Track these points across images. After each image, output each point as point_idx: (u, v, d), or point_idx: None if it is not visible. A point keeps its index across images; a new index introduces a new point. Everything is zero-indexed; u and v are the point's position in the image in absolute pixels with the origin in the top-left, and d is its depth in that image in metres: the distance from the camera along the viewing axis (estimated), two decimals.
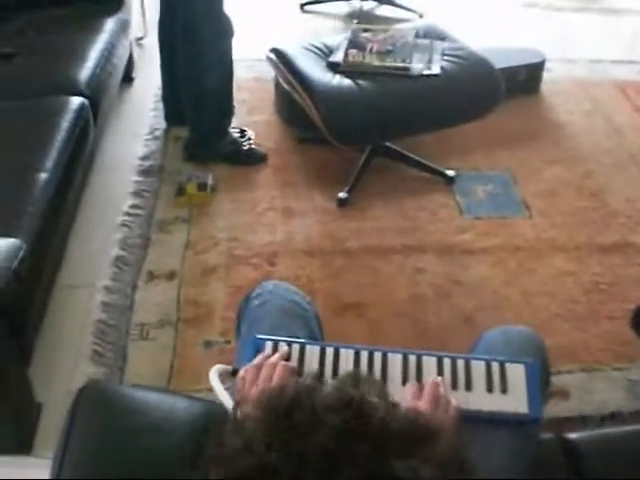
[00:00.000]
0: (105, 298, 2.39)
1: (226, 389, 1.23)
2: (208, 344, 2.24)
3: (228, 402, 1.17)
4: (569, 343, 2.28)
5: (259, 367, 1.20)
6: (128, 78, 3.53)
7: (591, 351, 2.26)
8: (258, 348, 1.28)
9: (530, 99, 3.49)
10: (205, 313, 2.34)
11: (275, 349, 1.27)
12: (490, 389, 1.25)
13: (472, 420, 1.21)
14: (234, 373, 1.25)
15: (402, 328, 2.32)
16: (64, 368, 2.15)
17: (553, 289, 2.47)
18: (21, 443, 1.89)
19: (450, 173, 2.94)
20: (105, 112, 2.78)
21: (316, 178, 2.96)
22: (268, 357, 1.22)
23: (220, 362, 2.14)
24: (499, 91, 2.67)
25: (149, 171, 2.98)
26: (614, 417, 2.08)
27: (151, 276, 2.48)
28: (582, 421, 2.06)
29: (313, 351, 1.29)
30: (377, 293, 2.44)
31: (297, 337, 1.35)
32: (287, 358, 1.24)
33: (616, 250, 2.63)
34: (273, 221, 2.73)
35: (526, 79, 3.46)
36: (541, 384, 1.32)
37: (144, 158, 3.06)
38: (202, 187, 2.81)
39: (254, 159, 3.06)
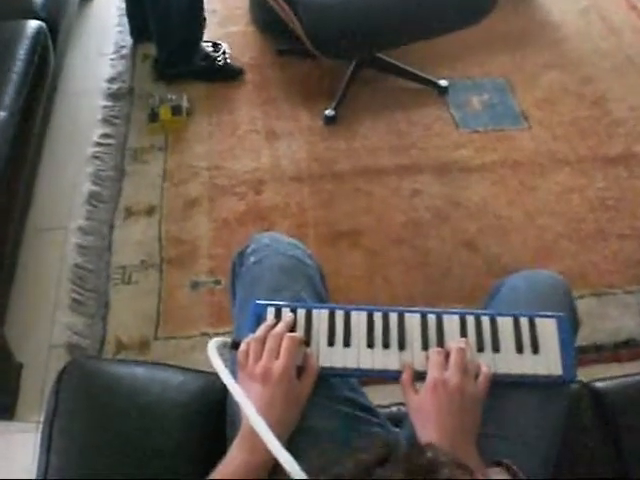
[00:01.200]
0: (80, 240, 2.23)
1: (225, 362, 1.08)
2: (195, 285, 2.09)
3: (230, 381, 1.02)
4: (577, 266, 2.15)
5: (263, 340, 1.06)
6: None
7: (601, 274, 2.14)
8: (259, 315, 1.13)
9: None
10: (190, 251, 2.18)
11: (278, 315, 1.12)
12: (520, 349, 1.11)
13: (501, 384, 1.08)
14: (234, 346, 1.10)
15: (401, 256, 2.18)
16: (42, 321, 2.02)
17: (558, 207, 2.33)
18: (3, 408, 1.76)
19: (443, 83, 2.75)
20: (65, 34, 2.54)
21: (299, 94, 2.75)
22: (272, 327, 1.07)
23: (210, 303, 2.06)
24: None
25: (118, 94, 2.76)
26: (628, 344, 1.98)
27: (129, 212, 2.31)
28: (595, 350, 1.96)
29: (321, 315, 1.14)
30: (372, 219, 2.29)
31: (301, 298, 1.20)
32: (293, 326, 1.10)
33: (621, 162, 2.48)
34: (256, 145, 2.54)
35: None
36: (573, 337, 1.19)
37: (111, 80, 2.83)
38: (177, 110, 2.60)
39: (230, 75, 2.84)
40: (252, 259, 1.27)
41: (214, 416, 1.15)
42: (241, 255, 1.31)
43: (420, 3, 2.37)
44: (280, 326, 1.08)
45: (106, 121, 2.64)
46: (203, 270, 2.12)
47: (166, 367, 1.28)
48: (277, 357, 1.03)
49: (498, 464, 0.99)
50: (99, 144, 2.55)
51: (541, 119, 2.64)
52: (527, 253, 2.19)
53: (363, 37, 2.39)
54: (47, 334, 1.97)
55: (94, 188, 2.38)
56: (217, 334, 1.95)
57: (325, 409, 1.08)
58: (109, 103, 2.72)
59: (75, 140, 2.57)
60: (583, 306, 2.04)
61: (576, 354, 1.18)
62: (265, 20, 2.96)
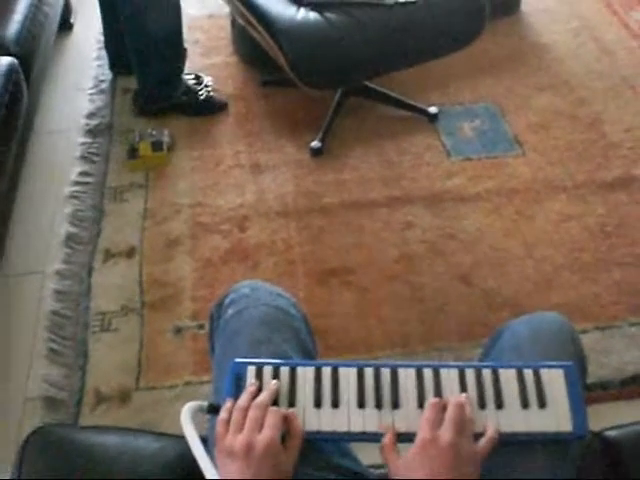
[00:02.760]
0: (58, 285, 2.12)
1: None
2: (178, 330, 1.99)
3: (201, 454, 0.92)
4: (579, 298, 2.05)
5: (245, 409, 0.95)
6: (66, 25, 3.17)
7: (604, 305, 2.04)
8: (238, 375, 1.03)
9: (510, 20, 3.16)
10: (172, 294, 2.07)
11: (259, 374, 1.02)
12: (525, 404, 1.01)
13: (504, 445, 0.98)
14: (211, 410, 1.00)
15: (395, 293, 2.08)
16: (17, 372, 1.91)
17: (556, 237, 2.23)
18: None
19: (432, 110, 2.66)
20: (40, 69, 2.44)
21: (284, 126, 2.66)
22: (254, 394, 0.97)
23: (194, 350, 1.95)
24: (484, 14, 2.36)
25: (96, 131, 2.66)
26: (636, 380, 1.88)
27: (108, 255, 2.21)
28: (601, 387, 1.85)
29: (306, 373, 1.03)
30: (363, 255, 2.19)
31: (285, 353, 1.10)
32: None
33: (620, 186, 2.39)
34: (240, 180, 2.44)
35: None
36: (582, 389, 1.08)
37: (90, 116, 2.74)
38: (157, 146, 2.50)
39: (213, 108, 2.75)
40: (230, 311, 1.16)
41: None
42: (219, 306, 1.21)
43: (406, 30, 2.28)
44: (264, 396, 0.97)
45: (84, 158, 2.55)
46: (186, 314, 2.01)
47: (141, 434, 1.18)
48: (260, 430, 0.93)
49: None
50: (77, 183, 2.45)
51: (535, 144, 2.55)
52: (526, 286, 2.09)
53: (348, 68, 2.30)
54: (22, 386, 1.86)
55: (72, 229, 2.28)
56: (201, 383, 1.84)
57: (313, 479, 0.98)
58: (87, 140, 2.63)
59: (52, 179, 2.48)
60: (586, 340, 1.92)
61: (585, 407, 1.08)
62: (248, 51, 2.88)
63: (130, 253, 2.20)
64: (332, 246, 2.21)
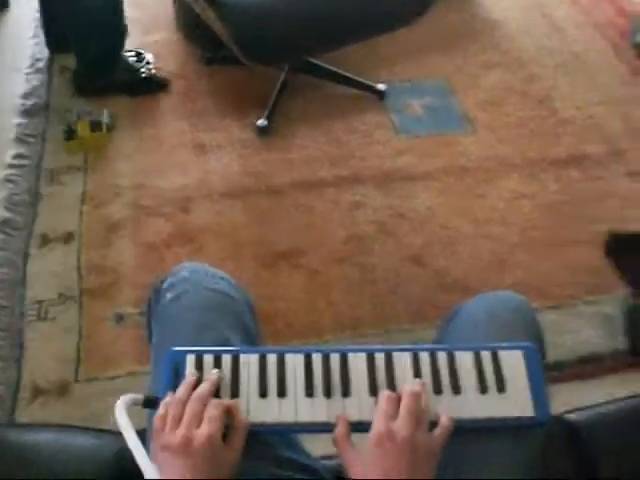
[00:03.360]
0: None
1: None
2: (120, 318, 1.90)
3: (138, 449, 0.84)
4: (533, 278, 2.02)
5: (183, 402, 0.88)
6: (2, 4, 3.03)
7: (558, 285, 2.00)
8: (176, 364, 0.95)
9: None
10: (112, 281, 1.98)
11: (199, 364, 0.94)
12: (484, 389, 0.96)
13: (463, 431, 0.92)
14: (147, 404, 0.92)
15: (345, 275, 2.02)
16: None
17: (508, 215, 2.19)
18: None
19: (381, 87, 2.60)
20: None
21: (229, 105, 2.57)
22: (193, 386, 0.90)
23: (136, 338, 1.85)
24: None
25: (32, 111, 2.54)
26: (591, 359, 1.85)
27: (45, 240, 2.10)
28: (558, 367, 1.82)
29: (250, 361, 0.96)
30: (313, 236, 2.12)
31: (227, 339, 1.02)
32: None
33: (572, 163, 2.36)
34: (184, 160, 2.35)
35: None
36: (542, 371, 1.03)
37: (26, 96, 2.61)
38: (96, 126, 2.39)
39: (155, 87, 2.65)
40: (169, 295, 1.08)
41: None
42: (157, 290, 1.12)
43: (349, 4, 2.22)
44: (204, 387, 0.90)
45: (20, 140, 2.43)
46: (128, 301, 1.92)
47: (77, 431, 1.09)
48: (199, 424, 0.85)
49: None
50: (12, 166, 2.33)
51: (486, 122, 2.51)
52: (478, 265, 2.05)
53: (292, 42, 2.23)
54: None
55: (6, 214, 2.17)
56: (145, 373, 1.74)
57: (258, 474, 0.91)
58: (23, 120, 2.51)
59: None
60: (542, 321, 1.89)
61: (547, 389, 1.03)
62: (191, 27, 2.78)
63: (68, 238, 2.10)
64: (280, 228, 2.14)
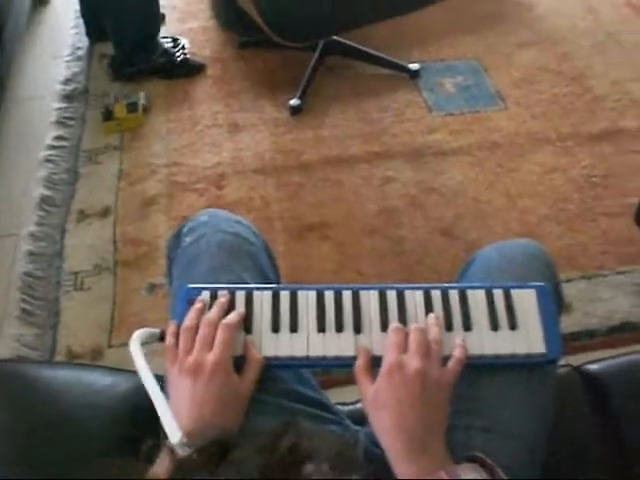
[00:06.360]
0: (31, 247, 2.07)
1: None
2: (152, 287, 1.93)
3: (150, 381, 0.87)
4: (565, 248, 2.00)
5: (194, 328, 0.90)
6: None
7: (590, 255, 1.99)
8: (191, 300, 0.97)
9: None
10: (146, 252, 2.02)
11: (214, 300, 0.96)
12: (495, 326, 0.96)
13: (475, 367, 0.93)
14: (164, 338, 0.95)
15: (374, 247, 2.03)
16: None
17: (540, 189, 2.17)
18: None
19: (413, 66, 2.61)
20: (12, 37, 2.40)
21: (263, 86, 2.60)
22: (201, 311, 0.92)
23: (168, 306, 1.89)
24: None
25: (72, 96, 2.61)
26: (623, 328, 1.83)
27: (82, 215, 2.16)
28: (589, 335, 1.81)
29: (263, 297, 0.98)
30: (342, 210, 2.14)
31: (243, 280, 1.04)
32: (228, 308, 0.94)
33: (607, 138, 2.33)
34: (218, 139, 2.38)
35: None
36: (556, 311, 1.03)
37: (66, 82, 2.69)
38: (132, 108, 2.45)
39: (191, 70, 2.69)
40: (188, 239, 1.11)
41: (145, 420, 0.99)
42: (178, 234, 1.15)
43: None
44: (213, 311, 0.92)
45: (60, 123, 2.49)
46: (160, 272, 1.95)
47: (94, 368, 1.13)
48: (210, 348, 0.87)
49: (472, 459, 0.84)
50: (52, 147, 2.40)
51: (518, 99, 2.50)
52: (509, 237, 2.02)
53: (321, 17, 2.25)
54: None
55: (46, 192, 2.23)
56: None
57: (269, 406, 0.93)
58: (63, 105, 2.58)
59: (28, 145, 2.43)
60: (573, 290, 1.90)
61: (560, 329, 1.03)
62: (227, 13, 2.80)
63: (104, 213, 2.15)
64: (310, 202, 2.15)
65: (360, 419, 1.03)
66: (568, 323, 1.79)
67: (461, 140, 2.34)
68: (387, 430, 0.84)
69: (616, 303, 1.88)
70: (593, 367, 1.22)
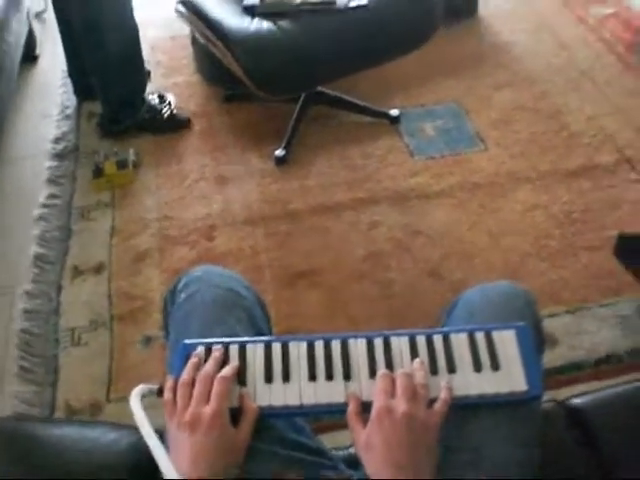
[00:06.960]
0: (27, 304, 2.11)
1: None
2: (148, 340, 1.98)
3: (151, 436, 0.91)
4: (548, 284, 2.06)
5: (190, 383, 0.95)
6: (31, 57, 3.19)
7: (573, 289, 2.04)
8: (188, 356, 1.02)
9: (469, 23, 3.21)
10: (141, 306, 2.07)
11: (209, 354, 1.01)
12: (478, 368, 1.01)
13: (461, 407, 0.97)
14: (162, 393, 0.99)
15: (364, 292, 2.08)
16: None
17: (522, 226, 2.24)
18: None
19: (394, 112, 2.68)
20: (4, 96, 2.46)
21: (248, 138, 2.67)
22: (197, 365, 0.97)
23: (164, 358, 1.91)
24: (435, 15, 2.39)
25: (63, 154, 2.67)
26: (609, 359, 1.88)
27: (76, 272, 2.20)
28: (575, 368, 1.86)
29: (256, 350, 1.03)
30: (330, 256, 2.19)
31: (236, 333, 1.09)
32: (223, 362, 0.99)
33: (584, 173, 2.41)
34: (207, 192, 2.44)
35: (462, 1, 3.18)
36: (536, 349, 1.08)
37: (56, 140, 2.74)
38: (122, 164, 2.51)
39: (177, 125, 2.75)
40: (183, 295, 1.16)
41: (147, 474, 1.03)
42: (172, 291, 1.20)
43: (358, 34, 2.30)
44: (209, 364, 0.97)
45: (51, 181, 2.55)
46: (155, 324, 2.00)
47: (97, 424, 1.16)
48: (207, 401, 0.92)
49: None
50: (45, 205, 2.45)
51: (498, 139, 2.58)
52: (494, 275, 2.09)
53: (303, 73, 2.32)
54: None
55: (40, 250, 2.27)
56: None
57: (264, 454, 0.97)
58: (54, 163, 2.63)
59: (22, 203, 2.48)
60: (558, 324, 1.95)
61: (541, 366, 1.08)
62: (209, 68, 2.89)
63: (98, 269, 2.20)
64: (299, 250, 2.21)
65: (355, 463, 1.07)
66: (554, 357, 1.85)
67: (443, 183, 2.41)
68: (378, 469, 0.88)
69: (601, 335, 1.93)
70: (577, 401, 1.26)
